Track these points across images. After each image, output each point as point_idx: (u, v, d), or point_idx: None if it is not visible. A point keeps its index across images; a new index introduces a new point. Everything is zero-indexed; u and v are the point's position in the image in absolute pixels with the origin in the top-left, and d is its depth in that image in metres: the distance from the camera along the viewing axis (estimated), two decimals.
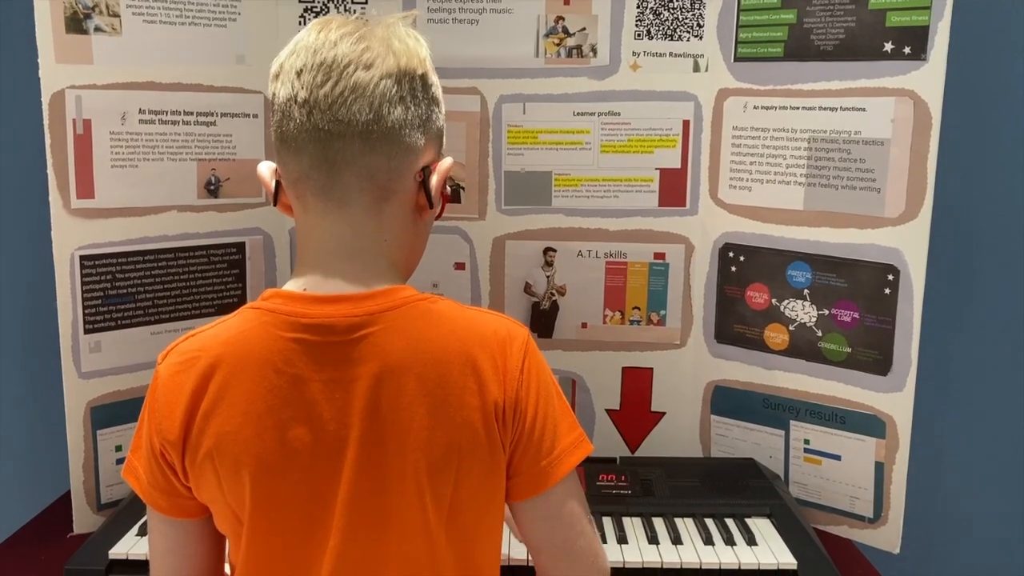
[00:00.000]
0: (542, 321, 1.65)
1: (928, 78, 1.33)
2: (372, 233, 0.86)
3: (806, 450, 1.53)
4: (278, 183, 0.89)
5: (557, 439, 0.88)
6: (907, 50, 1.34)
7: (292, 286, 0.87)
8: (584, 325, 1.66)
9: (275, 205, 0.90)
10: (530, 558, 0.98)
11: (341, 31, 0.86)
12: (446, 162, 0.92)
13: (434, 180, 0.90)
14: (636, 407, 1.67)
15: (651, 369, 1.66)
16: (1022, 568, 1.68)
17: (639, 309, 1.64)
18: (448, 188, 0.94)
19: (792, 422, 1.53)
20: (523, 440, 0.87)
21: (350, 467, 0.83)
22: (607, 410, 1.68)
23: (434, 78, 0.90)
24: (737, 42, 1.51)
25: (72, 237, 1.39)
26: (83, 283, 1.41)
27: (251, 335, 0.84)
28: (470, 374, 0.83)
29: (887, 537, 1.45)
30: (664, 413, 1.67)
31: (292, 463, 0.83)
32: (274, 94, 0.87)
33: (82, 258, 1.40)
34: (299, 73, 0.84)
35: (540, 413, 0.87)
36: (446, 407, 0.83)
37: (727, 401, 1.61)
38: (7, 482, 1.75)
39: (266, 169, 0.90)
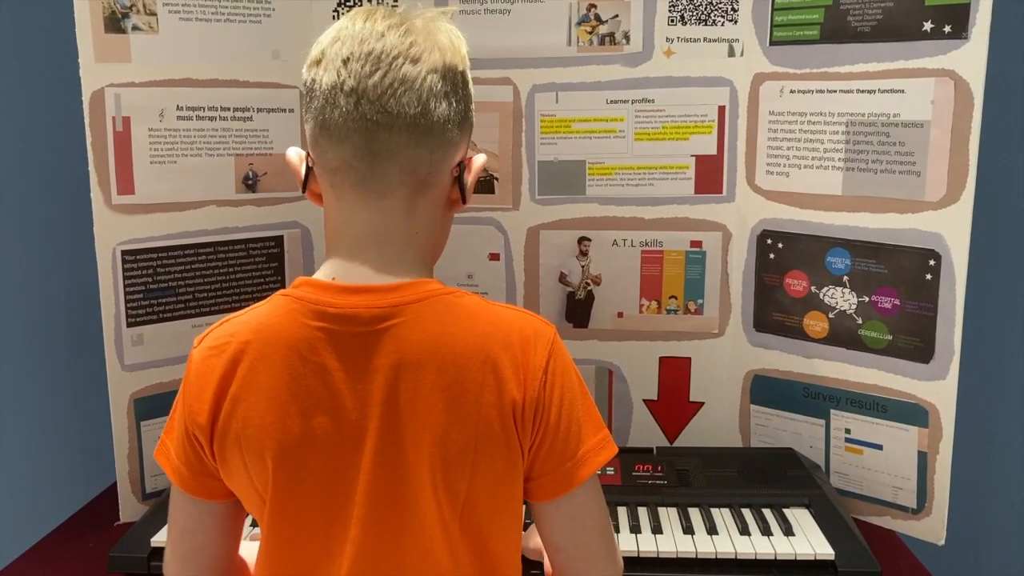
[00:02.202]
0: (577, 311, 1.65)
1: (969, 57, 1.29)
2: (404, 225, 0.87)
3: (847, 440, 1.50)
4: (309, 170, 0.89)
5: (582, 440, 0.87)
6: (947, 29, 1.31)
7: (321, 274, 0.87)
8: (620, 315, 1.65)
9: (303, 191, 0.91)
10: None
11: (387, 22, 0.86)
12: (480, 158, 0.93)
13: (469, 175, 0.90)
14: (674, 397, 1.66)
15: (689, 359, 1.64)
16: None
17: (676, 298, 1.63)
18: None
19: (832, 411, 1.51)
20: (547, 441, 0.86)
21: (369, 458, 0.83)
22: (645, 400, 1.66)
23: (470, 74, 0.91)
24: (772, 25, 1.49)
25: (114, 232, 1.42)
26: (125, 277, 1.44)
27: (279, 322, 0.85)
28: (489, 372, 0.83)
29: (931, 528, 1.42)
30: (703, 403, 1.65)
31: (313, 451, 0.84)
32: (313, 80, 0.86)
33: (124, 253, 1.44)
34: (345, 61, 0.84)
35: (564, 414, 0.86)
36: (463, 403, 0.83)
37: (766, 390, 1.59)
38: (58, 473, 1.80)
39: (295, 155, 0.91)
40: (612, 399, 1.67)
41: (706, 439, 1.65)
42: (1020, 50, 1.52)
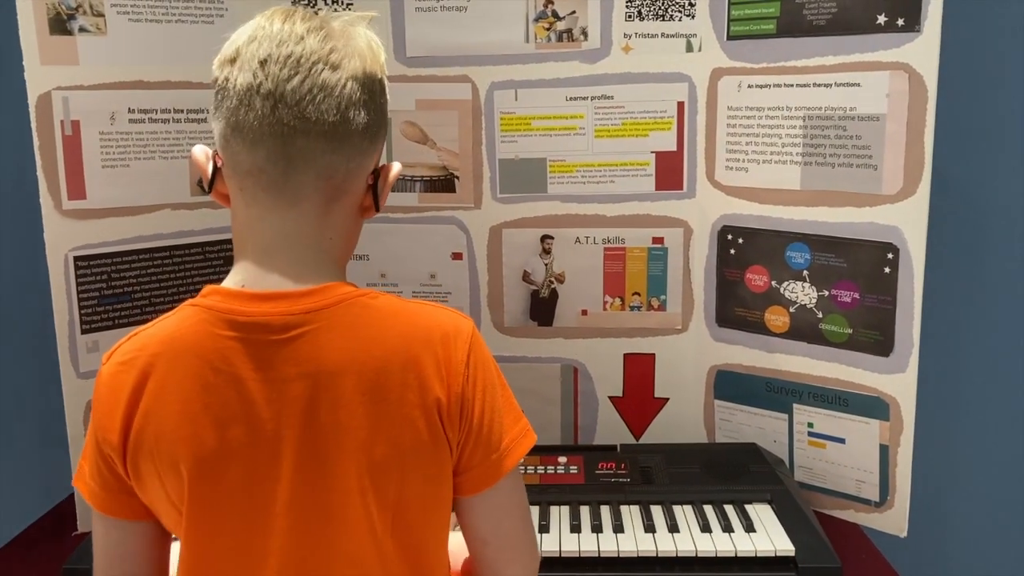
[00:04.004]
0: (542, 309, 1.64)
1: (922, 50, 1.29)
2: (317, 231, 0.85)
3: (810, 434, 1.50)
4: (217, 170, 0.86)
5: (504, 431, 0.87)
6: (900, 22, 1.31)
7: (231, 282, 0.85)
8: (584, 312, 1.64)
9: (208, 192, 0.88)
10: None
11: (307, 25, 0.84)
12: (396, 166, 0.91)
13: (384, 183, 0.89)
14: (639, 394, 1.65)
15: (653, 355, 1.64)
16: None
17: (639, 295, 1.62)
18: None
19: (795, 405, 1.51)
20: (472, 435, 0.85)
21: (289, 468, 0.81)
22: (610, 397, 1.66)
23: (387, 82, 0.90)
24: (729, 20, 1.48)
25: (65, 238, 1.40)
26: (78, 284, 1.42)
27: (189, 333, 0.82)
28: (411, 372, 0.82)
29: (894, 521, 1.43)
30: (667, 399, 1.65)
31: (229, 462, 0.81)
32: (227, 78, 0.83)
33: (76, 259, 1.41)
34: (263, 63, 0.81)
35: (487, 407, 0.86)
36: (386, 407, 0.82)
37: (730, 386, 1.59)
38: (16, 482, 1.77)
39: (201, 153, 0.87)
40: (578, 396, 1.66)
41: (672, 435, 1.64)
42: (973, 41, 1.52)
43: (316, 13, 0.87)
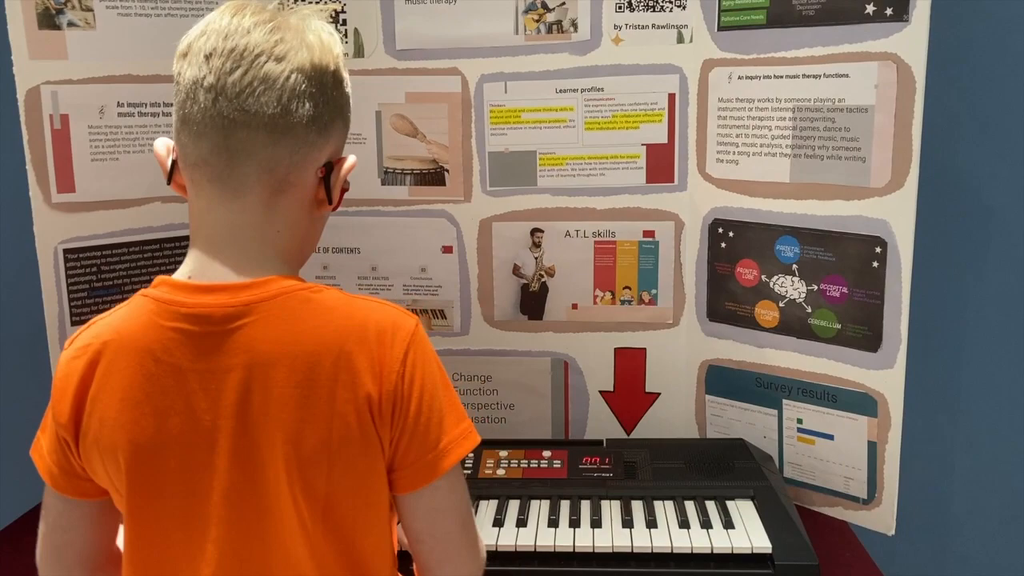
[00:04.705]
0: (532, 303, 1.63)
1: (910, 40, 1.27)
2: (263, 224, 0.86)
3: (799, 430, 1.48)
4: (174, 163, 0.88)
5: (443, 432, 0.87)
6: (889, 11, 1.28)
7: (180, 273, 0.87)
8: (574, 306, 1.63)
9: (169, 183, 0.90)
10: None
11: (256, 18, 0.85)
12: (350, 160, 0.92)
13: (336, 176, 0.90)
14: (630, 388, 1.64)
15: (644, 349, 1.62)
16: (1021, 549, 1.61)
17: (630, 289, 1.61)
18: (346, 184, 0.94)
19: (785, 401, 1.49)
20: (407, 433, 0.86)
21: (225, 458, 0.83)
22: (601, 392, 1.65)
23: (346, 74, 0.90)
24: (720, 10, 1.46)
25: (54, 231, 1.42)
26: (68, 276, 1.43)
27: (136, 323, 0.85)
28: (342, 367, 0.83)
29: (882, 519, 1.40)
30: (659, 394, 1.64)
31: (168, 451, 0.83)
32: (179, 73, 0.86)
33: (66, 251, 1.43)
34: (208, 57, 0.83)
35: (425, 406, 0.86)
36: (316, 400, 0.82)
37: (721, 381, 1.57)
38: (3, 472, 1.79)
39: (162, 146, 0.90)
40: (568, 391, 1.66)
41: (664, 430, 1.63)
42: (962, 31, 1.48)
43: (279, 6, 0.88)
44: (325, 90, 0.86)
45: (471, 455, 1.44)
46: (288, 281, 0.85)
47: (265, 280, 0.85)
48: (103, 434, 0.84)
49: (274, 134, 0.83)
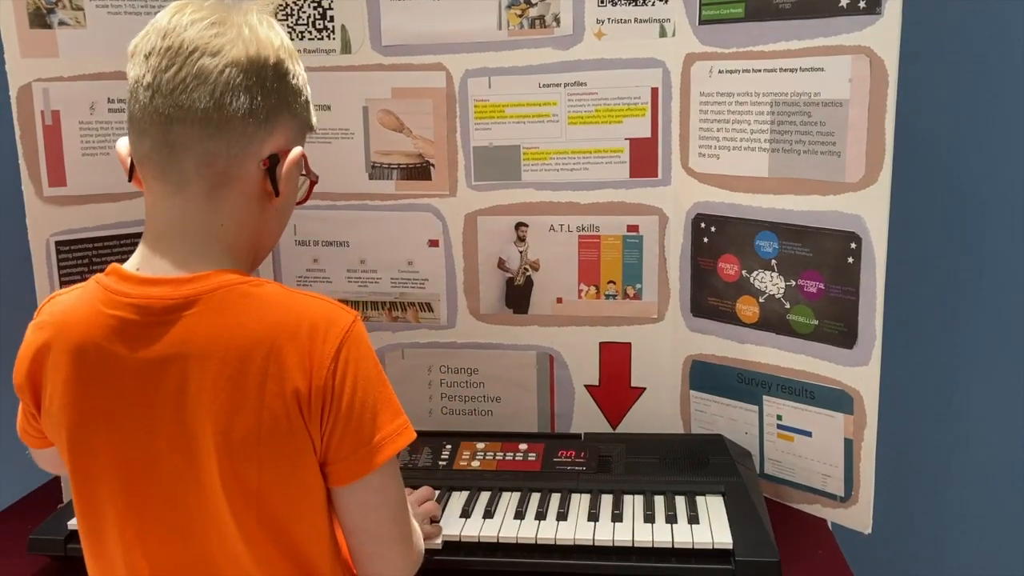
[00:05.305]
0: (517, 297, 1.64)
1: (883, 33, 1.25)
2: (206, 218, 0.88)
3: (779, 426, 1.47)
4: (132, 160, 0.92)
5: (377, 427, 0.88)
6: (862, 4, 1.27)
7: (129, 263, 0.91)
8: (559, 300, 1.64)
9: (130, 181, 0.93)
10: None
11: (194, 16, 0.87)
12: (296, 151, 0.92)
13: (282, 168, 0.91)
14: (615, 383, 1.64)
15: (629, 344, 1.63)
16: (999, 548, 1.58)
17: (614, 283, 1.61)
18: (314, 176, 0.96)
19: (765, 397, 1.48)
20: (339, 428, 0.87)
21: (164, 446, 0.86)
22: (586, 386, 1.65)
23: (292, 67, 0.91)
24: (701, 4, 1.46)
25: (47, 224, 1.46)
26: (60, 267, 1.48)
27: (83, 308, 0.89)
28: (272, 361, 0.84)
29: (858, 517, 1.39)
30: (644, 389, 1.63)
31: (104, 436, 0.87)
32: (126, 73, 0.89)
33: (58, 244, 1.47)
34: (147, 56, 0.87)
35: (358, 401, 0.87)
36: (245, 393, 0.84)
37: (704, 376, 1.56)
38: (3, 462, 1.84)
39: (123, 146, 0.93)
40: (554, 385, 1.66)
41: (649, 425, 1.63)
42: (934, 24, 1.45)
43: (210, 5, 0.90)
44: (264, 83, 0.87)
45: (448, 446, 1.46)
46: (229, 275, 0.88)
47: (207, 274, 0.87)
48: (51, 412, 0.90)
49: (209, 128, 0.85)
